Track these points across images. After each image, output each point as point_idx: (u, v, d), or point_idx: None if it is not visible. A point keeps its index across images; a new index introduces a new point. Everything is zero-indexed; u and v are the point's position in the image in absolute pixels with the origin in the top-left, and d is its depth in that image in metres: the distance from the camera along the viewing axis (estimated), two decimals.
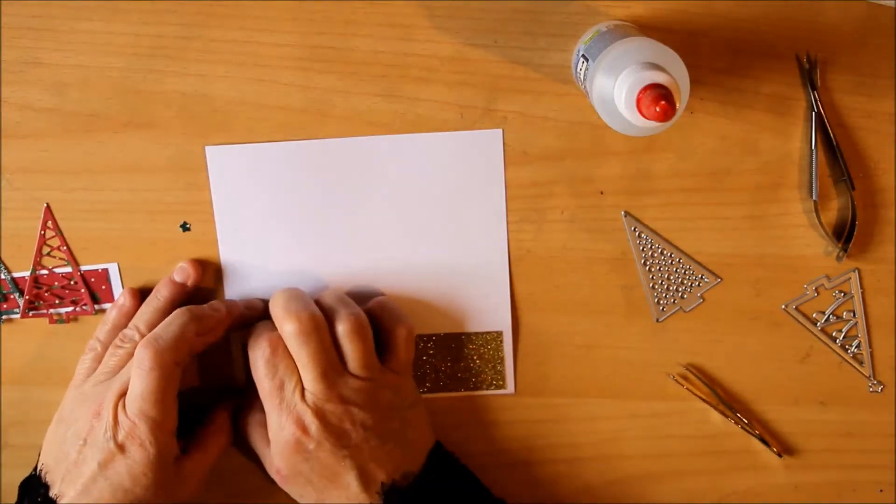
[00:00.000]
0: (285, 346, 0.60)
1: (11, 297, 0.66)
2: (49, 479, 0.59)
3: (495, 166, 0.64)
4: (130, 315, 0.64)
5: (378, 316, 0.64)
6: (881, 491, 0.68)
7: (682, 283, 0.66)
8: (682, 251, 0.66)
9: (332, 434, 0.59)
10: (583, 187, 0.65)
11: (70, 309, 0.66)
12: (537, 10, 0.63)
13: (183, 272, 0.65)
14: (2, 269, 0.65)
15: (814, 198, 0.65)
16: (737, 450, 0.68)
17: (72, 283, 0.66)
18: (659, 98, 0.50)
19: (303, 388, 0.59)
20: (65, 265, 0.65)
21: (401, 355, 0.63)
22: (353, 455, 0.59)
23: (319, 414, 0.59)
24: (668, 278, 0.66)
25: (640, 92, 0.50)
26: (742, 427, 0.67)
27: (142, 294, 0.65)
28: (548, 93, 0.64)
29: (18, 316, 0.66)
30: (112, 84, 0.64)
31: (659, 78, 0.50)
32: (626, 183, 0.65)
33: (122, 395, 0.59)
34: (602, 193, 0.65)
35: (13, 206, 0.65)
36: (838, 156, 0.64)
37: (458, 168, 0.64)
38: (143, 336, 0.61)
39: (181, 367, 0.59)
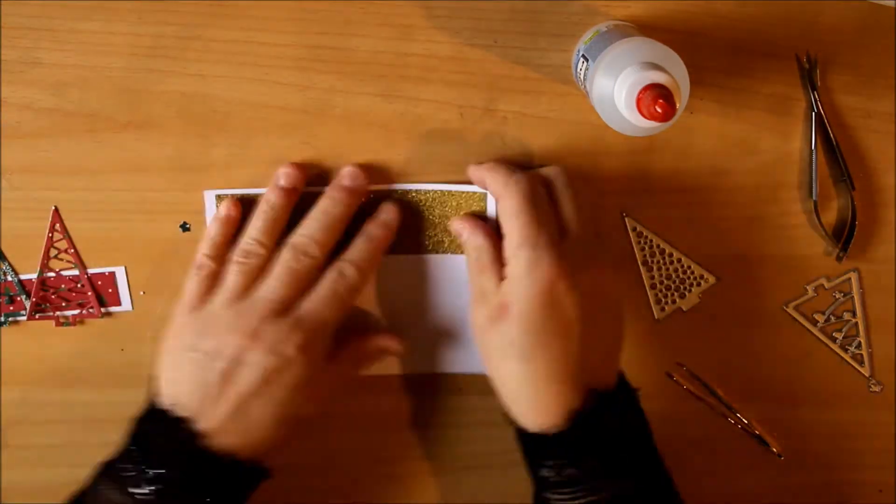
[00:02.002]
0: (543, 195, 0.59)
1: (18, 299, 0.66)
2: (186, 412, 0.57)
3: None
4: (236, 225, 0.62)
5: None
6: (881, 491, 0.68)
7: (681, 283, 0.66)
8: (682, 251, 0.66)
9: (583, 286, 0.56)
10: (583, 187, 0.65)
11: (77, 312, 0.66)
12: (537, 10, 0.63)
13: (289, 177, 0.63)
14: (9, 271, 0.65)
15: (814, 198, 0.65)
16: (737, 450, 0.68)
17: (79, 285, 0.66)
18: (659, 98, 0.50)
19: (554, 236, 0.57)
20: (72, 268, 0.65)
21: (583, 215, 0.60)
22: (581, 328, 0.56)
23: (578, 261, 0.57)
24: (668, 278, 0.66)
25: (640, 92, 0.50)
26: (742, 427, 0.67)
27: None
28: (548, 93, 0.64)
29: (25, 318, 0.66)
30: (112, 84, 0.64)
31: (659, 78, 0.51)
32: (626, 183, 0.65)
33: (280, 310, 0.58)
34: (602, 193, 0.65)
35: (13, 206, 0.65)
36: (838, 156, 0.64)
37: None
38: (267, 249, 0.60)
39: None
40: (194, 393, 0.57)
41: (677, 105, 0.51)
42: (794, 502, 0.68)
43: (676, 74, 0.52)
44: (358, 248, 0.61)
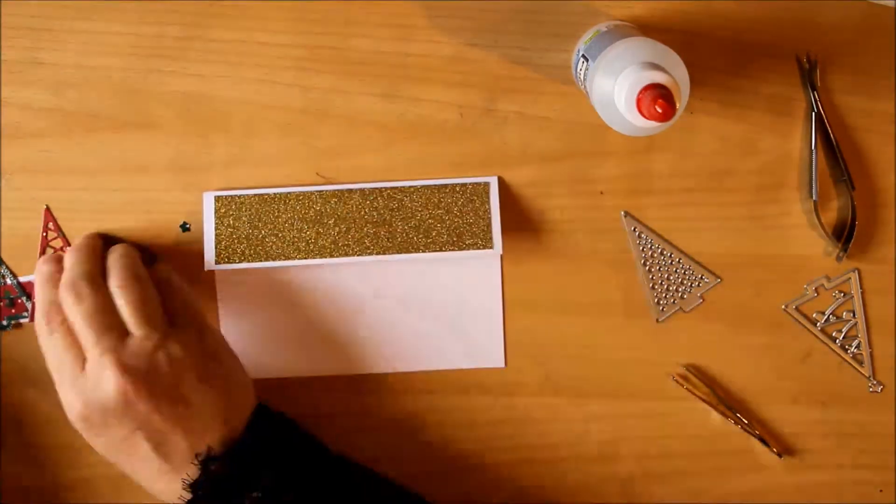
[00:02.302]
0: (64, 322, 0.57)
1: (19, 301, 0.66)
2: None
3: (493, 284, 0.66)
4: None
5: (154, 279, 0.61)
6: (881, 491, 0.68)
7: (682, 283, 0.66)
8: (682, 251, 0.66)
9: (111, 407, 0.55)
10: (583, 187, 0.65)
11: None
12: (537, 10, 0.63)
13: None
14: (8, 274, 0.65)
15: (814, 198, 0.65)
16: (737, 450, 0.68)
17: None
18: (659, 98, 0.50)
19: (83, 359, 0.56)
20: None
21: (176, 302, 0.60)
22: (146, 428, 0.56)
23: (97, 386, 0.55)
24: (668, 278, 0.66)
25: (640, 92, 0.50)
26: (742, 427, 0.67)
27: None
28: (548, 93, 0.64)
29: (27, 320, 0.66)
30: (112, 84, 0.64)
31: (659, 78, 0.50)
32: (626, 183, 0.65)
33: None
34: (602, 193, 0.65)
35: (13, 206, 0.65)
36: (838, 156, 0.64)
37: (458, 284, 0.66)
38: None
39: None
40: None
41: (677, 105, 0.50)
42: (794, 502, 0.68)
43: (676, 74, 0.52)
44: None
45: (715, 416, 0.67)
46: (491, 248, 0.64)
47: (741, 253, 0.66)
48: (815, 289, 0.66)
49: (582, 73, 0.59)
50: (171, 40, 0.63)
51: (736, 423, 0.67)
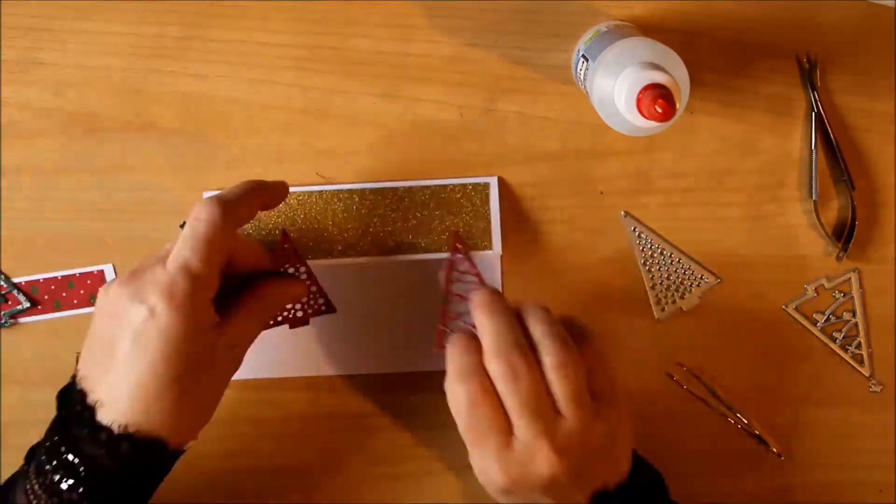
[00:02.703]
0: (488, 391, 0.54)
1: (16, 297, 0.66)
2: (85, 384, 0.53)
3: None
4: None
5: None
6: (881, 491, 0.68)
7: (682, 283, 0.66)
8: (682, 251, 0.66)
9: (539, 484, 0.53)
10: (583, 187, 0.65)
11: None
12: (537, 10, 0.63)
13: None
14: (1, 276, 0.66)
15: (814, 198, 0.65)
16: (737, 450, 0.68)
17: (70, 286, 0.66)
18: (659, 98, 0.50)
19: (511, 432, 0.54)
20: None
21: (602, 377, 0.56)
22: (560, 500, 0.54)
23: (529, 465, 0.53)
24: (668, 278, 0.66)
25: (640, 92, 0.50)
26: (742, 427, 0.67)
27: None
28: (548, 93, 0.64)
29: (26, 316, 0.66)
30: (112, 84, 0.64)
31: (659, 78, 0.50)
32: (626, 183, 0.65)
33: (153, 264, 0.54)
34: (602, 193, 0.65)
35: (13, 206, 0.65)
36: (838, 156, 0.64)
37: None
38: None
39: (237, 226, 0.55)
40: (94, 362, 0.54)
41: (677, 105, 0.50)
42: (794, 502, 0.68)
43: (676, 74, 0.52)
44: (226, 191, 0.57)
45: (715, 416, 0.67)
46: (490, 248, 0.64)
47: (741, 253, 0.66)
48: (815, 289, 0.66)
49: (582, 73, 0.59)
50: (171, 40, 0.63)
51: (736, 423, 0.67)
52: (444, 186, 0.64)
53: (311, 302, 0.64)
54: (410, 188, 0.64)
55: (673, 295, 0.66)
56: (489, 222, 0.64)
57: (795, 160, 0.65)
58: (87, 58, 0.64)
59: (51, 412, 0.63)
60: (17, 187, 0.65)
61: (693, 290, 0.66)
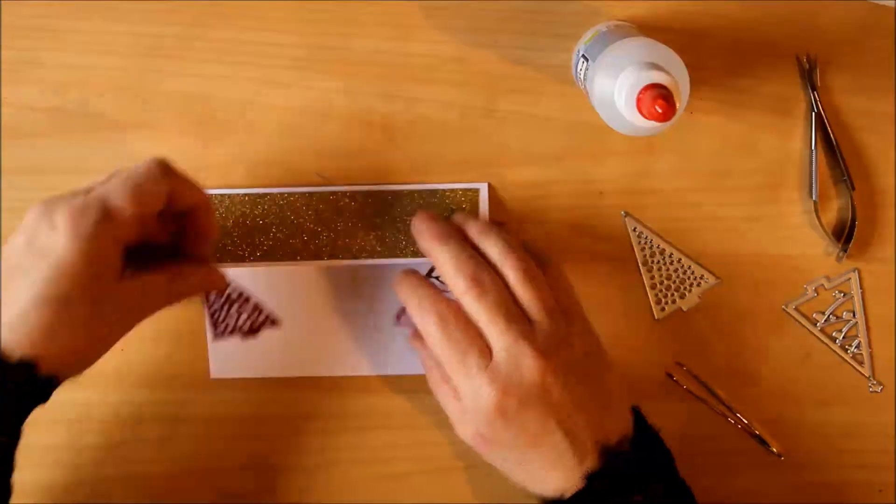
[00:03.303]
0: (456, 311, 0.55)
1: None
2: None
3: None
4: None
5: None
6: (881, 491, 0.68)
7: (681, 283, 0.66)
8: (682, 251, 0.66)
9: (531, 392, 0.53)
10: (583, 187, 0.65)
11: None
12: (537, 10, 0.63)
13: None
14: None
15: (814, 198, 0.65)
16: (737, 450, 0.68)
17: None
18: (659, 98, 0.50)
19: (489, 349, 0.54)
20: None
21: (563, 298, 0.57)
22: (558, 413, 0.53)
23: (515, 372, 0.53)
24: (668, 278, 0.66)
25: (640, 92, 0.50)
26: (742, 427, 0.67)
27: None
28: (548, 93, 0.64)
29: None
30: (112, 84, 0.64)
31: (659, 78, 0.50)
32: (626, 183, 0.65)
33: (78, 193, 0.54)
34: (602, 193, 0.65)
35: (13, 206, 0.65)
36: (838, 156, 0.64)
37: None
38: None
39: (170, 188, 0.54)
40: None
41: (677, 105, 0.50)
42: (794, 502, 0.68)
43: (676, 74, 0.52)
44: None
45: (715, 416, 0.67)
46: None
47: (741, 253, 0.66)
48: (815, 289, 0.66)
49: (582, 73, 0.59)
50: (171, 40, 0.63)
51: (736, 423, 0.67)
52: (434, 191, 0.64)
53: (256, 315, 0.66)
54: (400, 192, 0.64)
55: (673, 295, 0.66)
56: None
57: (795, 160, 0.65)
58: (87, 58, 0.64)
59: (51, 412, 0.63)
60: (17, 187, 0.65)
61: (693, 290, 0.66)
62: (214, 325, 0.66)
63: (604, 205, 0.65)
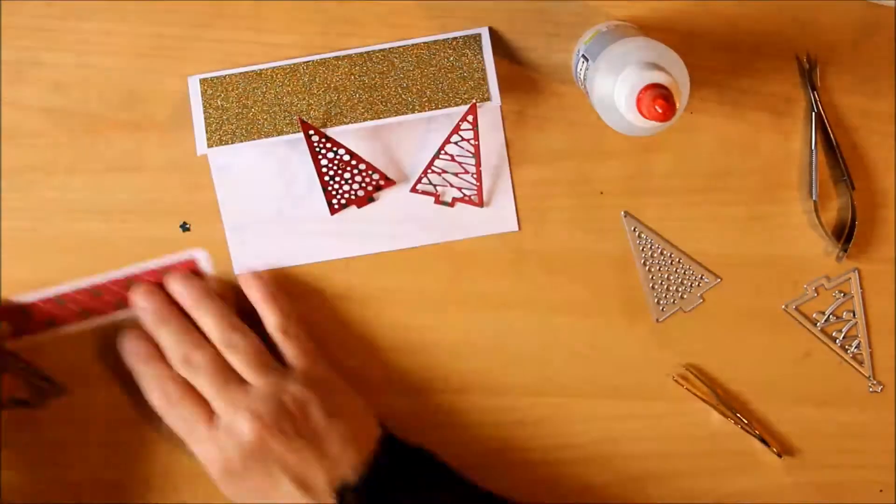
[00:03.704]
0: (181, 386, 0.61)
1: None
2: None
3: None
4: None
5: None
6: (881, 491, 0.68)
7: (682, 283, 0.66)
8: (682, 251, 0.66)
9: (251, 450, 0.58)
10: (583, 187, 0.65)
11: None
12: (537, 9, 0.63)
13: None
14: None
15: (814, 198, 0.65)
16: (737, 450, 0.68)
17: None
18: (659, 98, 0.50)
19: (209, 414, 0.60)
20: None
21: (287, 348, 0.63)
22: (283, 464, 0.58)
23: (234, 434, 0.58)
24: (668, 278, 0.66)
25: (641, 92, 0.50)
26: (742, 427, 0.67)
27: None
28: (548, 93, 0.64)
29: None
30: (112, 84, 0.64)
31: (659, 78, 0.50)
32: (626, 183, 0.65)
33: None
34: (602, 193, 0.65)
35: (13, 206, 0.65)
36: (838, 156, 0.64)
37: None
38: None
39: None
40: None
41: (677, 105, 0.50)
42: (794, 502, 0.68)
43: (676, 74, 0.52)
44: None
45: (715, 416, 0.67)
46: (489, 100, 0.63)
47: (741, 253, 0.66)
48: (815, 289, 0.66)
49: (582, 73, 0.59)
50: (171, 40, 0.63)
51: (736, 423, 0.67)
52: (434, 43, 0.63)
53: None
54: (399, 48, 0.63)
55: (673, 295, 0.66)
56: (484, 75, 0.63)
57: (795, 160, 0.65)
58: (87, 58, 0.64)
59: (52, 412, 0.63)
60: (17, 187, 0.65)
61: (693, 290, 0.66)
62: (329, 199, 0.64)
63: (604, 205, 0.65)
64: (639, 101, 0.51)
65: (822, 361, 0.67)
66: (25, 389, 0.65)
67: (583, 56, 0.59)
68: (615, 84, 0.52)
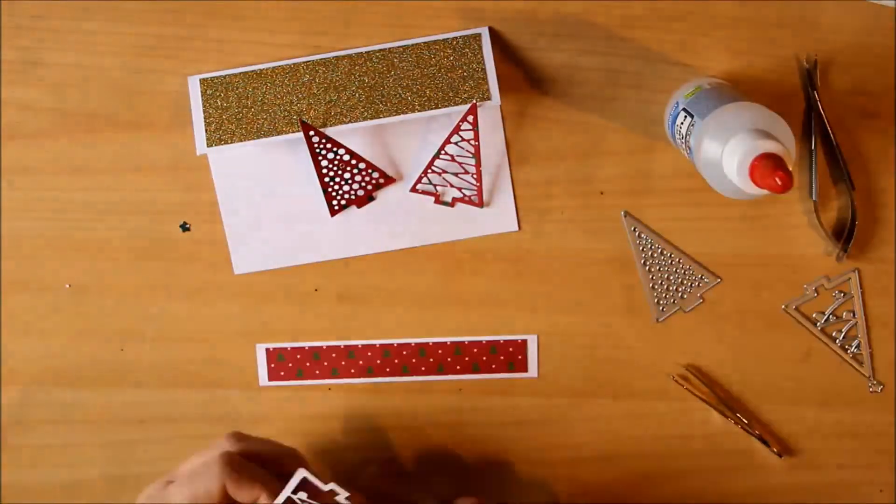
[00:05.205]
0: None
1: None
2: None
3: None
4: None
5: None
6: (881, 491, 0.68)
7: (682, 283, 0.66)
8: (682, 251, 0.66)
9: None
10: (583, 187, 0.65)
11: None
12: (537, 9, 0.63)
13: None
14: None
15: (814, 198, 0.65)
16: (737, 450, 0.68)
17: None
18: (776, 169, 0.49)
19: None
20: None
21: None
22: None
23: None
24: (668, 278, 0.66)
25: (754, 161, 0.50)
26: (742, 427, 0.67)
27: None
28: (548, 93, 0.64)
29: None
30: (112, 84, 0.64)
31: (772, 147, 0.50)
32: (626, 183, 0.65)
33: None
34: (602, 193, 0.65)
35: (13, 206, 0.65)
36: (838, 156, 0.64)
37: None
38: None
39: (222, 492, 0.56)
40: None
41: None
42: (794, 502, 0.68)
43: (785, 141, 0.52)
44: None
45: (715, 416, 0.67)
46: (489, 99, 0.63)
47: (741, 253, 0.66)
48: (815, 289, 0.66)
49: (683, 128, 0.58)
50: (171, 40, 0.63)
51: (736, 423, 0.67)
52: (434, 43, 0.63)
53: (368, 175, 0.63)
54: (399, 48, 0.63)
55: (673, 295, 0.66)
56: (484, 74, 0.63)
57: (795, 160, 0.65)
58: (87, 58, 0.64)
59: (51, 412, 0.63)
60: (17, 187, 0.65)
61: (693, 290, 0.66)
62: (329, 200, 0.64)
63: (604, 205, 0.65)
64: (752, 169, 0.50)
65: (822, 361, 0.67)
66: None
67: (684, 110, 0.58)
68: (724, 150, 0.52)
